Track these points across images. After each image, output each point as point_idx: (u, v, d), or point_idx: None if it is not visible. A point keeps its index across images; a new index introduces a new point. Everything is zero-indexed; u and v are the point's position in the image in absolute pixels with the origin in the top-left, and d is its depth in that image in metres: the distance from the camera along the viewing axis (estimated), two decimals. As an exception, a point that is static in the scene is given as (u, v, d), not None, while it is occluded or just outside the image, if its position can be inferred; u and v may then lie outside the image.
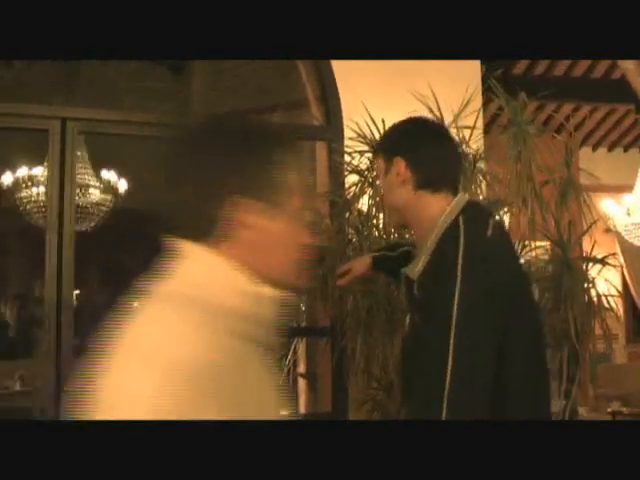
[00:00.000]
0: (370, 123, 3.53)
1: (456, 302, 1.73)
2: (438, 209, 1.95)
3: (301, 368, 6.24)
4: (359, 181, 3.48)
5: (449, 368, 1.70)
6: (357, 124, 3.59)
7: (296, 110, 4.73)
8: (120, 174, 6.78)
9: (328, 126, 4.16)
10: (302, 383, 6.27)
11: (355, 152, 3.56)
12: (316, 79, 4.26)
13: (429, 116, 3.45)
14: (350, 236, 3.45)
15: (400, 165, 1.98)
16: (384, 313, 3.31)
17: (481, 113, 3.98)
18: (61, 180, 3.63)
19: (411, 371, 1.99)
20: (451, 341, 1.71)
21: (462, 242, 1.81)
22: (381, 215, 3.40)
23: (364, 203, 3.49)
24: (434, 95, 3.50)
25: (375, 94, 3.98)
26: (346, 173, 3.67)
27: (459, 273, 1.76)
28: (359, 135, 3.54)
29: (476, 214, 1.97)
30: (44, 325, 3.57)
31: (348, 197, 3.57)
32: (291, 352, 5.95)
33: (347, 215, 3.50)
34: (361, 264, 2.55)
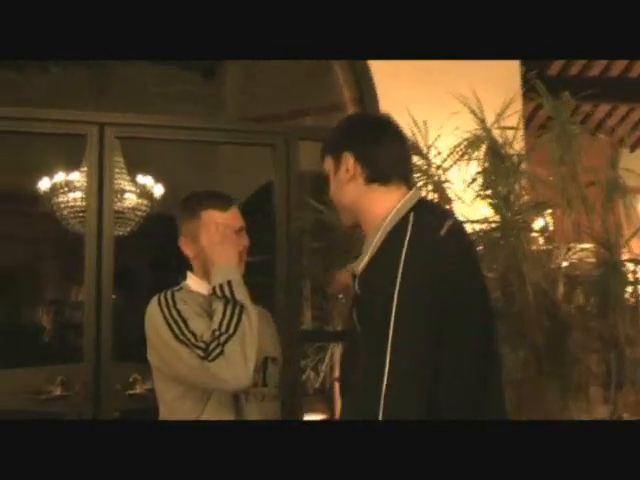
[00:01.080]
0: (411, 125, 3.47)
1: (395, 303, 1.68)
2: (389, 203, 1.92)
3: (337, 373, 6.19)
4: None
5: (385, 372, 1.65)
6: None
7: (332, 113, 4.68)
8: (156, 179, 6.77)
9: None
10: (339, 388, 6.20)
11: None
12: (353, 81, 4.21)
13: (471, 117, 3.44)
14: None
15: (349, 160, 1.96)
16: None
17: (521, 114, 3.93)
18: (99, 185, 3.63)
19: (349, 369, 1.94)
20: (388, 345, 1.67)
21: (407, 240, 1.76)
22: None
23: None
24: (476, 96, 3.43)
25: (413, 96, 3.93)
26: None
27: (400, 273, 1.70)
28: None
29: (428, 212, 1.94)
30: (83, 330, 3.57)
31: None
32: (328, 357, 5.90)
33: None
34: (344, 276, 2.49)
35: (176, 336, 2.13)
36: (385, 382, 1.65)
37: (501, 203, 3.06)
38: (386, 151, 1.98)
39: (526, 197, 3.21)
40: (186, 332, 2.12)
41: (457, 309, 1.76)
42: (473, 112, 3.44)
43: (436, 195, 3.32)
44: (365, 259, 1.87)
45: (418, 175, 3.30)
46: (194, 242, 2.33)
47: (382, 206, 1.92)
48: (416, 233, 1.79)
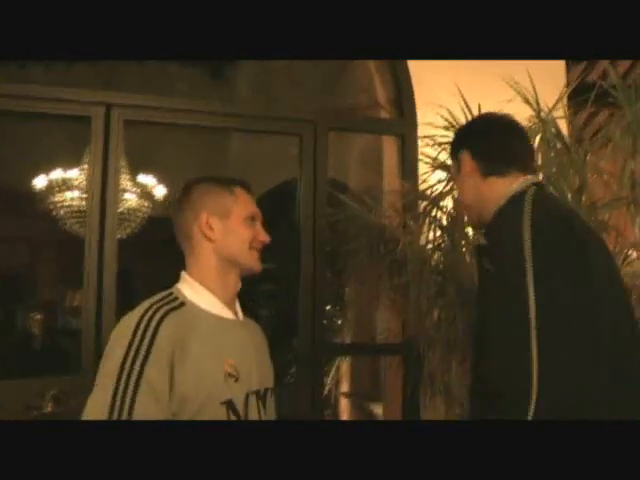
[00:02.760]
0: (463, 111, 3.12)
1: (528, 262, 1.67)
2: (507, 189, 1.97)
3: (344, 387, 5.92)
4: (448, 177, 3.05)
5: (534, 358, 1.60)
6: (449, 112, 3.16)
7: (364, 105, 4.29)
8: (159, 179, 6.40)
9: (401, 120, 3.73)
10: (345, 403, 5.95)
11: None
12: (387, 67, 3.84)
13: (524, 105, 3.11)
14: (438, 237, 3.01)
15: (466, 157, 2.07)
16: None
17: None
18: (103, 178, 3.24)
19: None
20: (532, 333, 1.62)
21: (527, 205, 1.81)
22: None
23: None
24: (532, 82, 3.10)
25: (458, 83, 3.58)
26: (428, 169, 3.23)
27: (526, 234, 1.72)
28: (451, 125, 3.11)
29: (545, 192, 2.01)
30: (82, 339, 3.17)
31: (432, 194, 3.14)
32: (333, 370, 5.69)
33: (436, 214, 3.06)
34: None
35: (117, 382, 1.62)
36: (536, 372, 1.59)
37: (572, 199, 2.67)
38: (500, 145, 2.06)
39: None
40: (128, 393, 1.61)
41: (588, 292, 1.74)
42: (527, 101, 3.10)
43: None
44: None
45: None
46: (223, 219, 1.88)
47: (500, 193, 1.97)
48: (539, 200, 1.85)
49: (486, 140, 2.07)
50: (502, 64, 3.40)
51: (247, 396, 1.80)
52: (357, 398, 5.83)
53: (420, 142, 3.32)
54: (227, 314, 1.87)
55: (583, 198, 2.72)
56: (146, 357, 1.63)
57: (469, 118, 3.07)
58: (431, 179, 3.24)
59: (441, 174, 3.16)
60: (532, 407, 1.58)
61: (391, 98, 3.84)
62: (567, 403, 1.61)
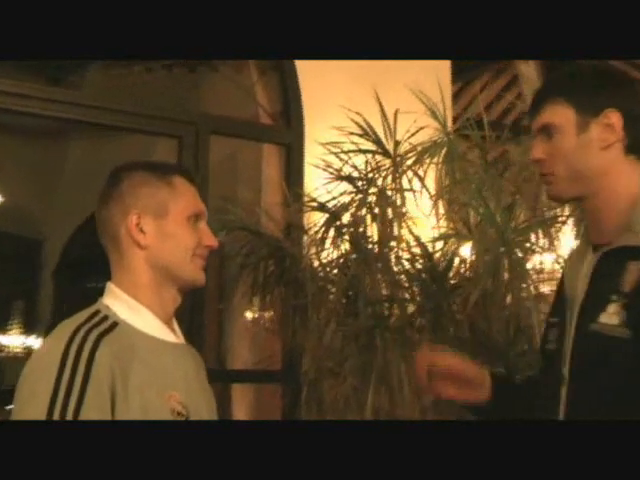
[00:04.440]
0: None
1: None
2: (634, 182, 1.57)
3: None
4: (362, 187, 2.83)
5: None
6: (364, 118, 2.93)
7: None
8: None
9: (288, 129, 3.48)
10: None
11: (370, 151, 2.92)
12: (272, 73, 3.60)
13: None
14: (344, 252, 2.77)
15: (616, 120, 1.56)
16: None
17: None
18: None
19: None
20: None
21: None
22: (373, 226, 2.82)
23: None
24: (442, 93, 3.00)
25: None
26: (327, 178, 3.00)
27: None
28: (365, 132, 2.89)
29: None
30: None
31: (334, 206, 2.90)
32: None
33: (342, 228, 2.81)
34: (476, 383, 1.70)
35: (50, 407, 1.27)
36: None
37: (501, 217, 2.48)
38: None
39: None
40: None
41: None
42: (434, 114, 2.99)
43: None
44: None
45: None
46: (158, 219, 1.50)
47: (628, 184, 1.57)
48: None
49: (638, 107, 1.62)
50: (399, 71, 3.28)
51: None
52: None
53: (323, 149, 3.04)
54: (168, 336, 1.49)
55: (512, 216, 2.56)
56: (81, 396, 1.27)
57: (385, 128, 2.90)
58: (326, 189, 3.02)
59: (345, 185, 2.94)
60: None
61: (276, 106, 3.60)
62: None
